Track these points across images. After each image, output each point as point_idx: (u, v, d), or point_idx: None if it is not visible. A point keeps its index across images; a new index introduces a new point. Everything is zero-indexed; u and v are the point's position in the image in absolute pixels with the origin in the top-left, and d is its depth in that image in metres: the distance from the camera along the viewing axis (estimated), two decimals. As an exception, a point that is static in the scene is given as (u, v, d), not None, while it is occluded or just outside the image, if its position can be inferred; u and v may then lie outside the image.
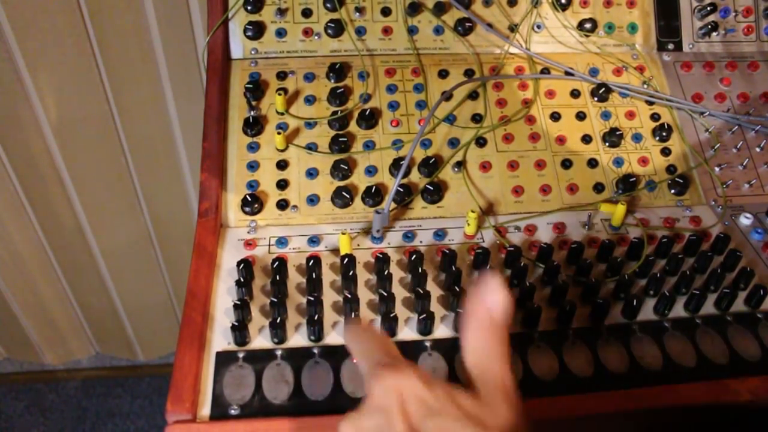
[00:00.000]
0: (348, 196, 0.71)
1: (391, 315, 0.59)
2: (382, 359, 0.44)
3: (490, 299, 0.45)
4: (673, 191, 0.76)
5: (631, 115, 0.80)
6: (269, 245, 0.68)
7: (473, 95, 0.80)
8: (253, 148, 0.74)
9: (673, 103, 0.81)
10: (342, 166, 0.72)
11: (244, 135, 0.75)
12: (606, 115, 0.80)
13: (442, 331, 0.61)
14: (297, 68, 0.80)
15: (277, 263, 0.65)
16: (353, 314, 0.60)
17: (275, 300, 0.60)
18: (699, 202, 0.76)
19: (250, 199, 0.70)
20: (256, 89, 0.76)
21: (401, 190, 0.72)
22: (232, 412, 0.55)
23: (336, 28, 0.81)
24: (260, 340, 0.60)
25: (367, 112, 0.76)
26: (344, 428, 0.42)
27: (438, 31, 0.83)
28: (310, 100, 0.78)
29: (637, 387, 0.58)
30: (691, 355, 0.61)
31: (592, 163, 0.77)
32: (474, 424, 0.40)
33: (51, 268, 1.42)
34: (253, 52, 0.81)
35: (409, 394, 0.41)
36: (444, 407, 0.40)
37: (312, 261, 0.65)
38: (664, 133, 0.78)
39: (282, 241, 0.68)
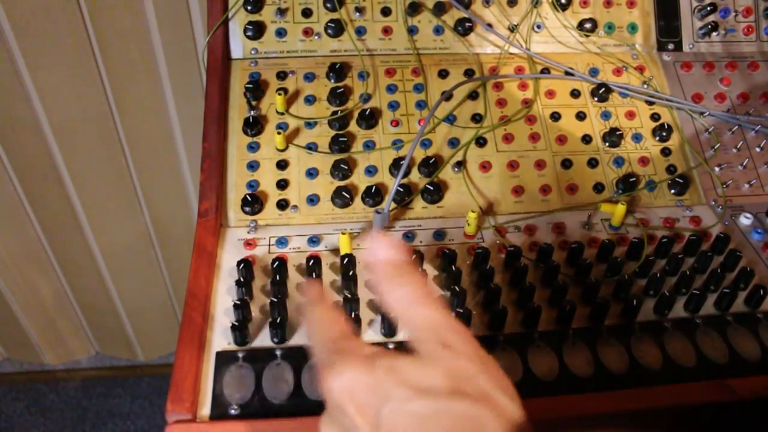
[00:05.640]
0: (348, 196, 0.71)
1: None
2: (328, 348, 0.42)
3: (383, 254, 0.43)
4: (673, 191, 0.76)
5: (631, 115, 0.80)
6: (269, 245, 0.68)
7: (473, 95, 0.80)
8: (253, 148, 0.74)
9: (673, 103, 0.81)
10: (342, 166, 0.72)
11: (244, 135, 0.75)
12: (606, 115, 0.80)
13: (442, 331, 0.61)
14: (297, 68, 0.80)
15: (277, 263, 0.65)
16: (352, 314, 0.60)
17: (275, 300, 0.60)
18: (699, 202, 0.76)
19: (250, 199, 0.70)
20: (256, 89, 0.76)
21: (401, 190, 0.72)
22: (232, 412, 0.55)
23: (336, 28, 0.81)
24: (260, 339, 0.60)
25: (367, 112, 0.76)
26: (323, 429, 0.41)
27: (438, 31, 0.83)
28: (310, 100, 0.78)
29: (637, 387, 0.58)
30: (691, 355, 0.61)
31: (592, 163, 0.77)
32: (421, 395, 0.37)
33: (51, 268, 1.42)
34: (253, 52, 0.81)
35: (356, 388, 0.39)
36: (390, 389, 0.38)
37: (312, 261, 0.64)
38: (664, 133, 0.78)
39: (282, 241, 0.68)
